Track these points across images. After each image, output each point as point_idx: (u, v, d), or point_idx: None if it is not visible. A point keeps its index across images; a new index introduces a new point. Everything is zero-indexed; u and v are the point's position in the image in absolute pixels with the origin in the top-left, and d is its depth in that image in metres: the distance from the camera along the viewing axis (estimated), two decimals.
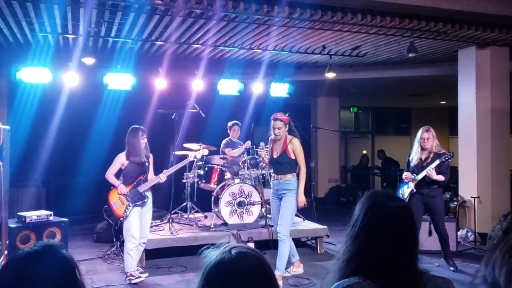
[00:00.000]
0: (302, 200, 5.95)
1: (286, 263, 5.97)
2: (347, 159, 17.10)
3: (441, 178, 6.27)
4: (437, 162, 6.21)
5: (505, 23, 7.20)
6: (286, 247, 5.90)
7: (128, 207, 5.83)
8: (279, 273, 5.83)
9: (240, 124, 8.74)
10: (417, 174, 6.39)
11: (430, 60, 9.65)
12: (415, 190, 6.44)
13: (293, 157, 5.92)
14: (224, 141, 8.61)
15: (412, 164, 6.54)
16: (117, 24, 6.93)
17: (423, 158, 6.43)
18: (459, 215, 8.28)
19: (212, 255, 1.36)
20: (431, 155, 6.38)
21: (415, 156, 6.51)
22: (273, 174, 6.13)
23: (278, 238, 5.96)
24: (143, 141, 5.95)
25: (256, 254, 1.38)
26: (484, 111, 8.23)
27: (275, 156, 6.03)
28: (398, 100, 16.45)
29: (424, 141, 6.40)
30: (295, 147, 5.92)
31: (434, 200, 6.46)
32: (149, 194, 6.04)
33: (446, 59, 9.37)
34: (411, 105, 18.02)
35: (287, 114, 6.69)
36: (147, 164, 6.03)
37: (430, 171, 6.22)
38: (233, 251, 1.36)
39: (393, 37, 7.49)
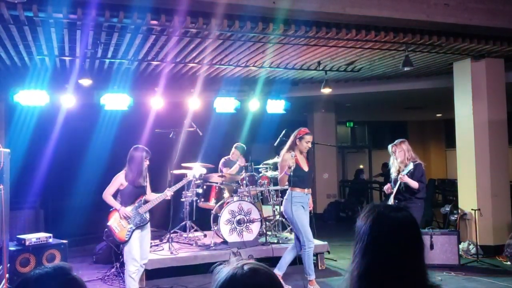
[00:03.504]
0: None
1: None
2: (344, 174, 17.10)
3: (414, 184, 6.14)
4: (409, 167, 6.12)
5: (499, 35, 7.25)
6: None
7: (130, 230, 5.60)
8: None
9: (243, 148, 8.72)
10: (395, 186, 6.33)
11: (425, 73, 9.70)
12: (393, 202, 6.26)
13: None
14: (222, 160, 8.61)
15: (391, 177, 6.50)
16: (114, 45, 6.96)
17: (399, 170, 6.36)
18: (460, 228, 8.25)
19: (224, 271, 1.36)
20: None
21: (392, 168, 6.48)
22: (301, 189, 6.16)
23: (309, 249, 6.08)
24: (146, 163, 5.74)
25: (268, 271, 1.38)
26: (481, 122, 8.24)
27: (306, 169, 6.23)
28: (394, 114, 16.51)
29: (393, 154, 6.45)
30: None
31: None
32: (147, 216, 5.82)
33: (441, 72, 9.42)
34: (407, 119, 18.08)
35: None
36: (144, 184, 5.81)
37: (403, 176, 6.15)
38: (246, 267, 1.35)
39: (388, 51, 7.54)
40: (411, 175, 6.16)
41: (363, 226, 1.73)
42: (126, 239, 5.61)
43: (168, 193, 5.91)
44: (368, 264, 1.66)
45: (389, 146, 6.50)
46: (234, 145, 8.72)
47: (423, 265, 1.69)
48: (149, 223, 5.90)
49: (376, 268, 1.65)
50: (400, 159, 6.36)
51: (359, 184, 15.55)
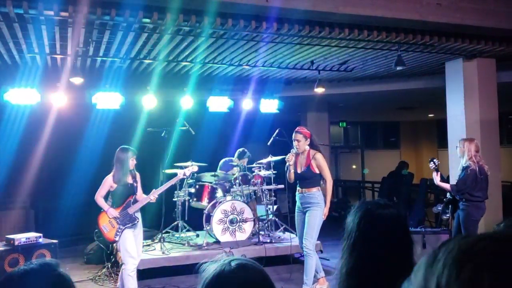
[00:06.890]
0: (326, 212, 6.06)
1: (313, 276, 5.97)
2: (337, 173, 17.12)
3: (444, 185, 6.66)
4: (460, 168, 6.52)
5: (491, 35, 7.27)
6: (312, 261, 5.93)
7: (119, 230, 5.69)
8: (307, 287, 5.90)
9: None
10: None
11: (417, 73, 9.72)
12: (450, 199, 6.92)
13: (317, 172, 6.05)
14: (224, 160, 8.58)
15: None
16: (105, 43, 6.90)
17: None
18: (452, 227, 8.24)
19: (211, 268, 1.33)
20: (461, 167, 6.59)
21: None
22: (298, 188, 6.16)
23: (304, 252, 5.97)
24: (132, 162, 5.81)
25: (256, 266, 1.36)
26: (473, 122, 8.26)
27: (299, 170, 6.12)
28: (387, 114, 16.54)
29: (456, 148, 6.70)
30: (319, 162, 6.06)
31: (462, 213, 6.68)
32: (138, 215, 5.89)
33: (433, 72, 9.43)
34: (400, 119, 18.14)
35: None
36: (135, 184, 5.89)
37: (435, 176, 6.53)
38: (233, 263, 1.33)
39: (381, 51, 7.53)
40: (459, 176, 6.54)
41: (351, 223, 1.73)
42: (116, 238, 5.72)
43: (152, 197, 5.92)
44: (356, 261, 1.66)
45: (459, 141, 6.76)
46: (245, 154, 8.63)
47: (411, 262, 1.67)
48: (141, 223, 5.93)
49: (364, 265, 1.64)
50: (459, 154, 6.64)
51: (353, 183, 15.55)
